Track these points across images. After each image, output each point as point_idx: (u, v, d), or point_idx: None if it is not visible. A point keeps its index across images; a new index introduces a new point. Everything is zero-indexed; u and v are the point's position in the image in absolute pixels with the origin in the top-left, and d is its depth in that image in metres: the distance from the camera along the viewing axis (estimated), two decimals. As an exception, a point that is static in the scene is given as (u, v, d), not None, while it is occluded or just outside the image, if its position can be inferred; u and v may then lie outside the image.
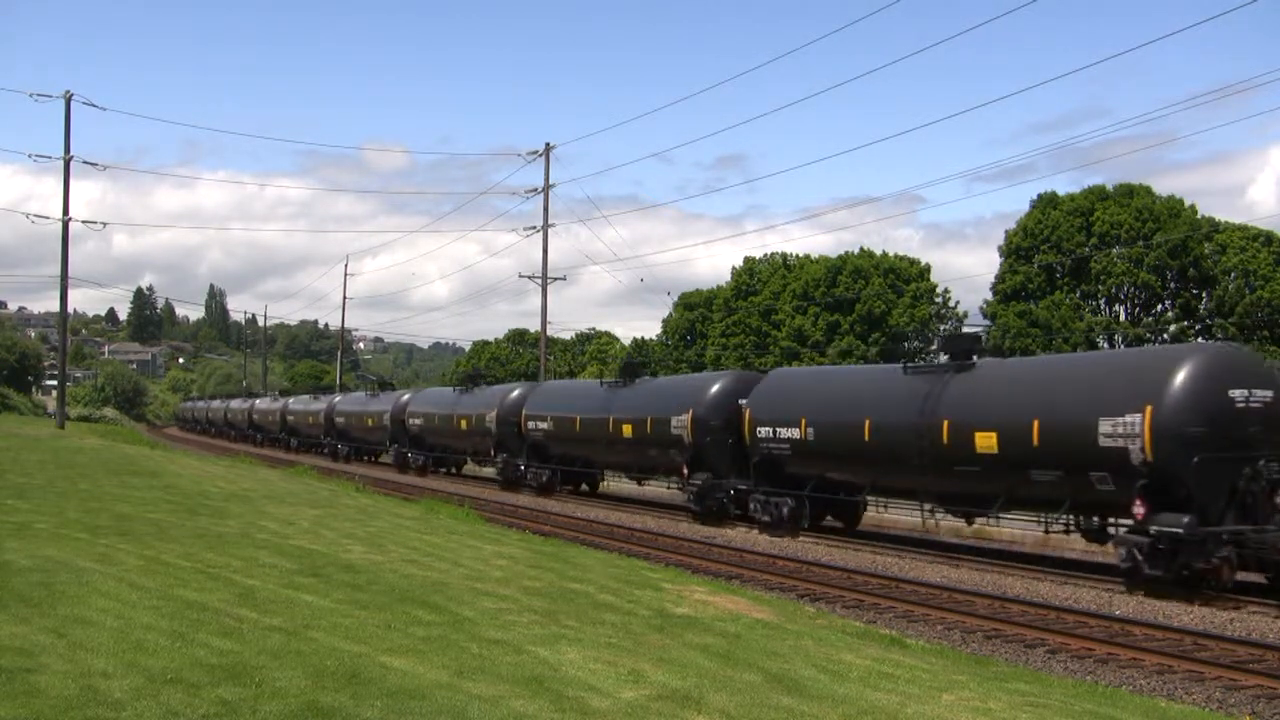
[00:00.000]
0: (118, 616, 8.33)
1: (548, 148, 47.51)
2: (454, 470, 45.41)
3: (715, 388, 26.38)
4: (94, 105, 62.37)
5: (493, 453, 37.72)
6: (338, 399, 58.88)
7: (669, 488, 32.35)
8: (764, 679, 8.07)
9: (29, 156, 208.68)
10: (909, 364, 21.66)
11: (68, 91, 43.75)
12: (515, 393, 37.25)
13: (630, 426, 28.78)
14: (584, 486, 35.61)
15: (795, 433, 22.64)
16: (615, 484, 36.18)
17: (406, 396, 48.74)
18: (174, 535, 13.06)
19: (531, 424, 34.50)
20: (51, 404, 74.02)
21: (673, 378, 38.18)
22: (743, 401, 24.83)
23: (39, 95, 43.91)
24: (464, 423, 39.69)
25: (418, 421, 44.22)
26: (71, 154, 44.25)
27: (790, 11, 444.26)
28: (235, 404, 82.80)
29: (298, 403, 65.07)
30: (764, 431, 23.47)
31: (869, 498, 22.95)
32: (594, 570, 13.64)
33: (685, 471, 26.45)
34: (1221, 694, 10.72)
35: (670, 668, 8.12)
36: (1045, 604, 15.12)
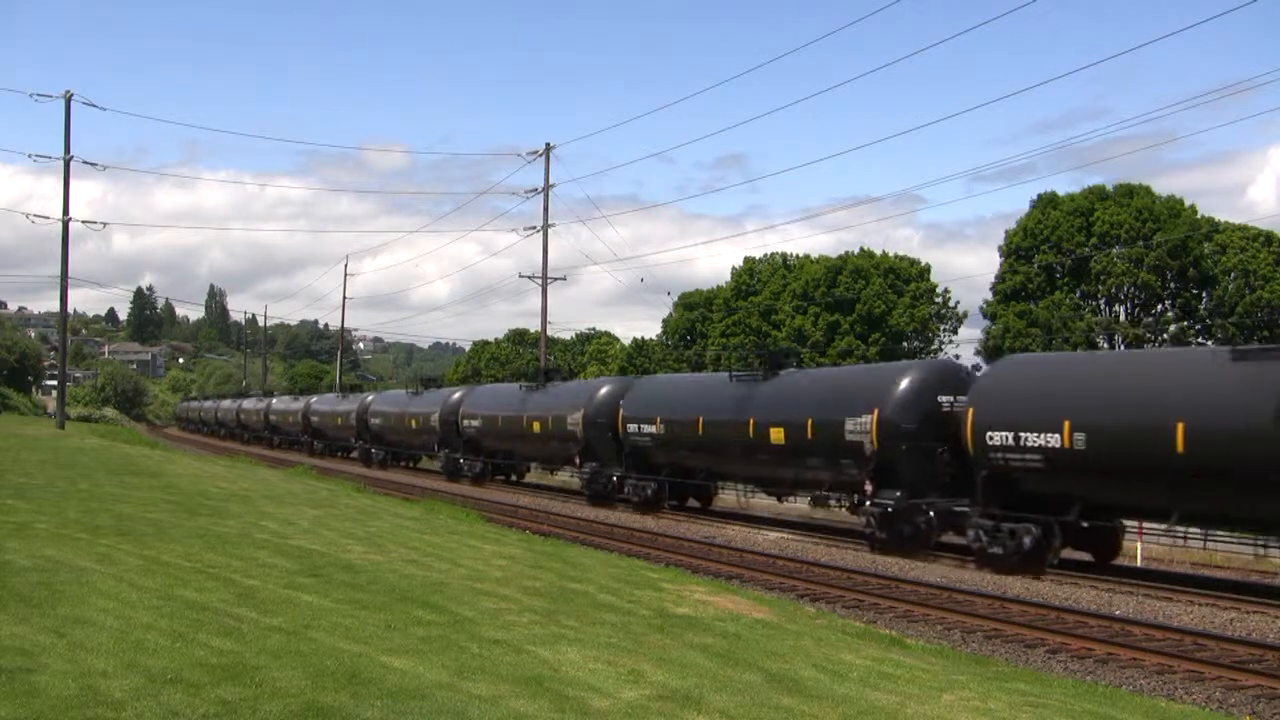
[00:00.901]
0: (118, 616, 8.33)
1: (548, 148, 47.53)
2: (514, 478, 41.18)
3: (603, 391, 30.71)
4: (94, 105, 62.50)
5: (578, 461, 32.39)
6: (314, 399, 62.96)
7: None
8: (764, 679, 8.07)
9: (29, 156, 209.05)
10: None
11: (68, 91, 43.79)
12: (605, 389, 32.03)
13: (539, 424, 33.34)
14: (690, 500, 30.02)
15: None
16: (758, 500, 29.15)
17: (458, 395, 43.31)
18: (174, 535, 13.06)
19: (633, 427, 29.01)
20: (51, 404, 74.03)
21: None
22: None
23: (39, 95, 43.95)
24: (537, 425, 34.56)
25: (650, 429, 30.12)
26: (71, 154, 44.26)
27: (790, 11, 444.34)
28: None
29: (280, 402, 69.05)
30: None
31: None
32: (594, 570, 13.64)
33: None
34: (1221, 694, 10.72)
35: (670, 668, 8.12)
36: (1045, 604, 15.12)
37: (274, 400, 71.94)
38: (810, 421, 22.33)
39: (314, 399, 63.46)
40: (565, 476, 38.68)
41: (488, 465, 39.30)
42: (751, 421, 23.91)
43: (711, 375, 31.69)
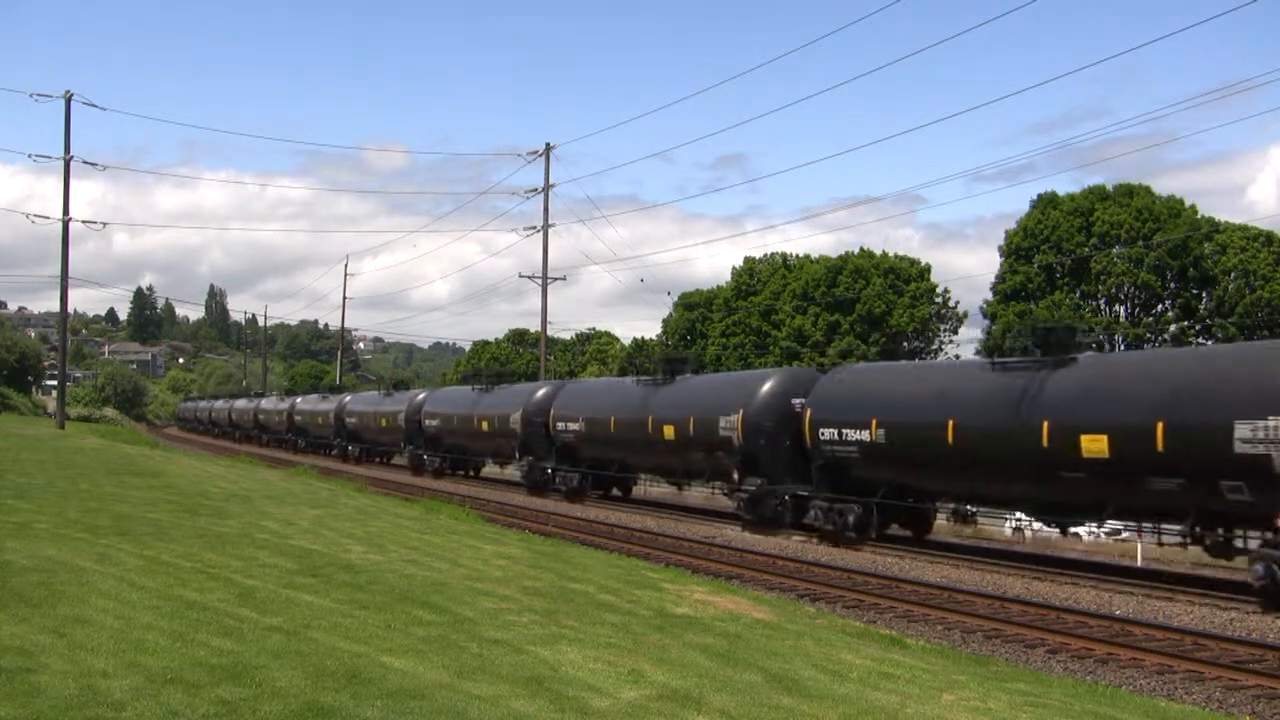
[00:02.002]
0: (118, 616, 8.33)
1: (548, 148, 47.54)
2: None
3: (539, 393, 34.20)
4: (94, 105, 62.52)
5: (518, 455, 34.87)
6: (298, 399, 65.60)
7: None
8: (764, 679, 8.07)
9: (29, 156, 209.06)
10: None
11: (68, 91, 43.78)
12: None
13: (487, 423, 36.31)
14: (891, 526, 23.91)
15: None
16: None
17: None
18: (174, 535, 13.06)
19: (561, 425, 32.03)
20: (51, 404, 73.99)
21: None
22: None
23: (39, 95, 43.91)
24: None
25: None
26: (71, 154, 44.25)
27: (790, 11, 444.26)
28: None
29: (267, 403, 72.35)
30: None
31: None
32: (594, 570, 13.64)
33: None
34: (1221, 694, 10.72)
35: (670, 668, 8.11)
36: (1045, 604, 15.13)
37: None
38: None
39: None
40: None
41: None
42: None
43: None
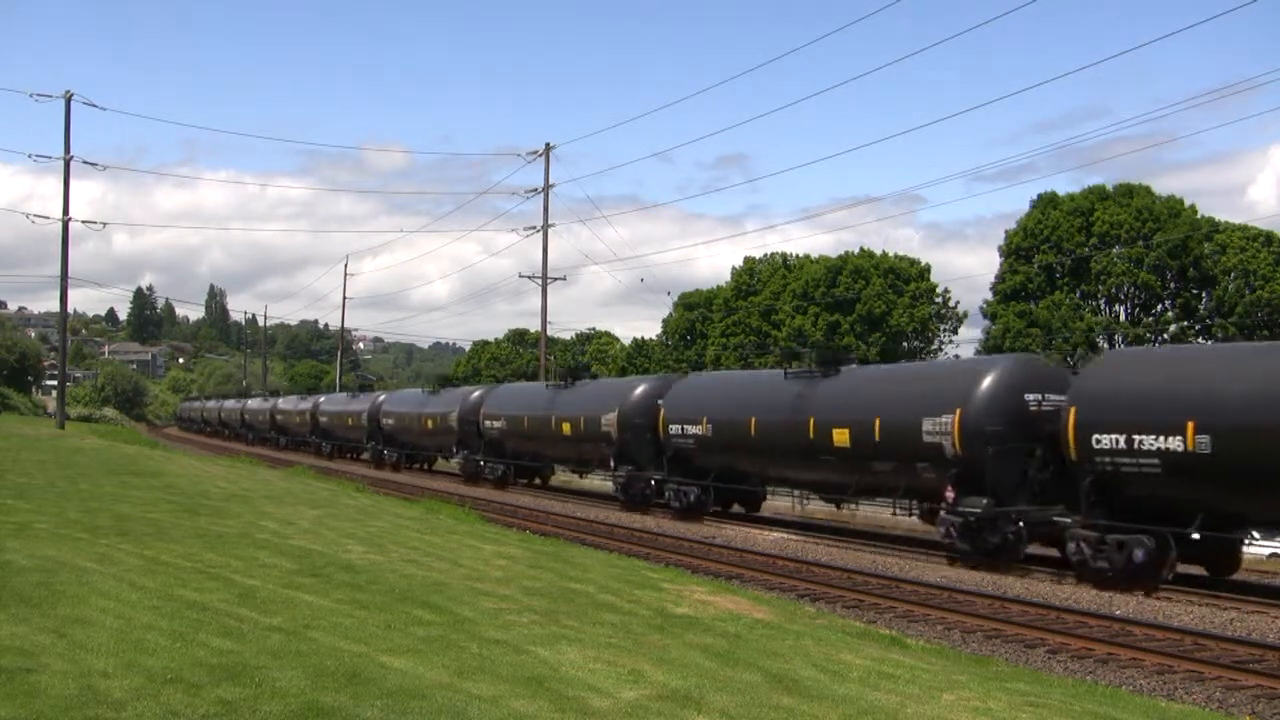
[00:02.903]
0: (118, 616, 8.33)
1: (548, 148, 47.56)
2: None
3: (639, 390, 31.80)
4: (94, 105, 62.34)
5: (612, 464, 30.69)
6: (323, 399, 63.25)
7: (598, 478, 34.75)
8: (764, 679, 8.07)
9: (29, 156, 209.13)
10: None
11: (68, 91, 43.82)
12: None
13: (570, 425, 34.43)
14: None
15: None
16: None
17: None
18: (174, 535, 13.06)
19: (675, 428, 27.88)
20: (51, 404, 73.99)
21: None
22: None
23: (39, 95, 44.00)
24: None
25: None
26: (71, 154, 44.29)
27: (790, 11, 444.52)
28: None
29: (286, 402, 70.93)
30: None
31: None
32: (594, 570, 13.64)
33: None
34: (1221, 694, 10.72)
35: (670, 668, 8.11)
36: (1045, 604, 15.13)
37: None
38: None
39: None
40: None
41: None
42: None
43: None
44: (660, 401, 28.76)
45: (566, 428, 32.76)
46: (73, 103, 43.76)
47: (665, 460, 28.20)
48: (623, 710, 6.84)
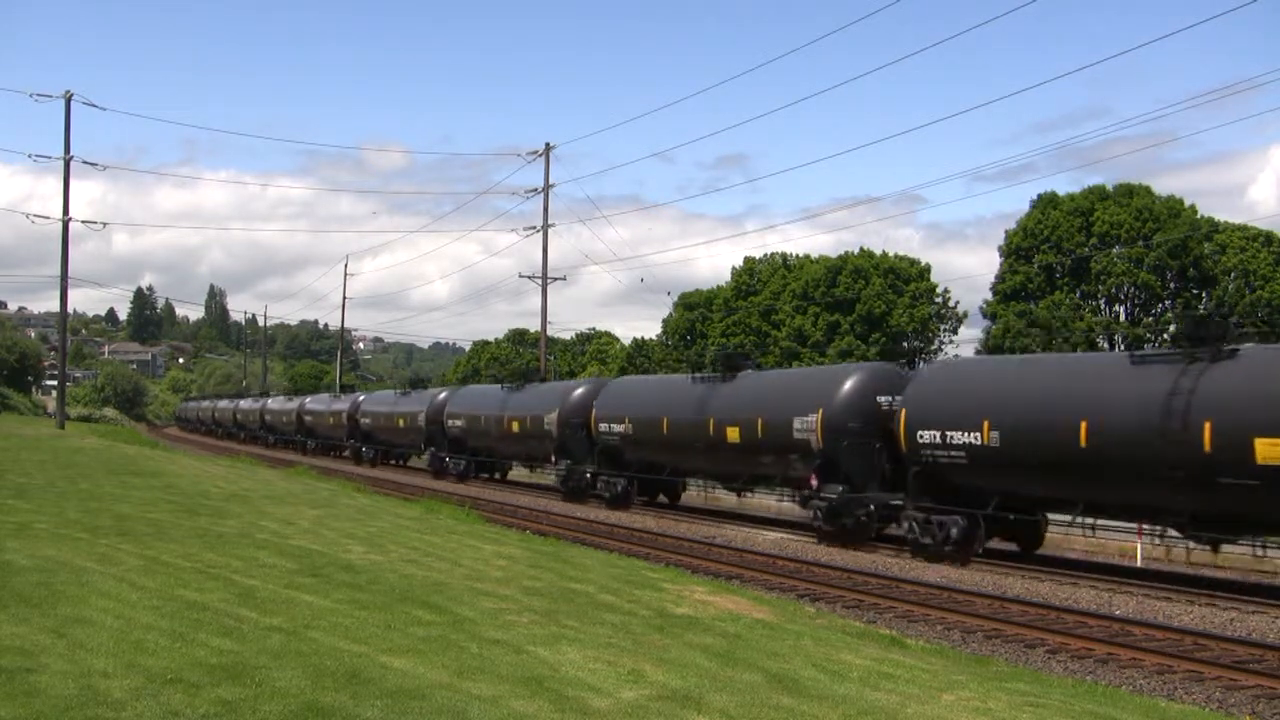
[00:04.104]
0: (118, 616, 8.33)
1: (548, 148, 47.53)
2: (497, 476, 41.09)
3: (577, 392, 33.67)
4: (94, 105, 62.43)
5: (554, 458, 32.95)
6: (308, 399, 65.55)
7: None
8: (764, 679, 8.06)
9: (29, 156, 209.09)
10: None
11: (68, 91, 43.80)
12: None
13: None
14: None
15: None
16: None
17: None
18: (174, 535, 13.06)
19: (604, 426, 30.50)
20: (51, 404, 74.00)
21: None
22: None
23: (39, 95, 43.96)
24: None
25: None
26: (71, 154, 44.26)
27: (791, 11, 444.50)
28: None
29: (275, 402, 73.21)
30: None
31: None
32: (594, 570, 13.64)
33: (553, 459, 33.76)
34: (1221, 694, 10.72)
35: (670, 668, 8.11)
36: (1045, 604, 15.13)
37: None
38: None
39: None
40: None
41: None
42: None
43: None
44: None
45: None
46: (73, 103, 43.76)
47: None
48: (623, 710, 6.84)
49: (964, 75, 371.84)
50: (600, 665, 7.98)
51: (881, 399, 21.99)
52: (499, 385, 40.06)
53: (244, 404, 79.53)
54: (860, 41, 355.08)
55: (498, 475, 41.79)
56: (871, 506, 21.57)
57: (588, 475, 31.10)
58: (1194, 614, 14.83)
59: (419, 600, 10.01)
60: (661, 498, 31.31)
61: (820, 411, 22.30)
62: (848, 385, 22.50)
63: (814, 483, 22.36)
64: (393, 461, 50.52)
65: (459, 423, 40.39)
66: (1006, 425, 18.32)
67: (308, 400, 64.64)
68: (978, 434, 18.73)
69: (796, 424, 22.81)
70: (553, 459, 33.41)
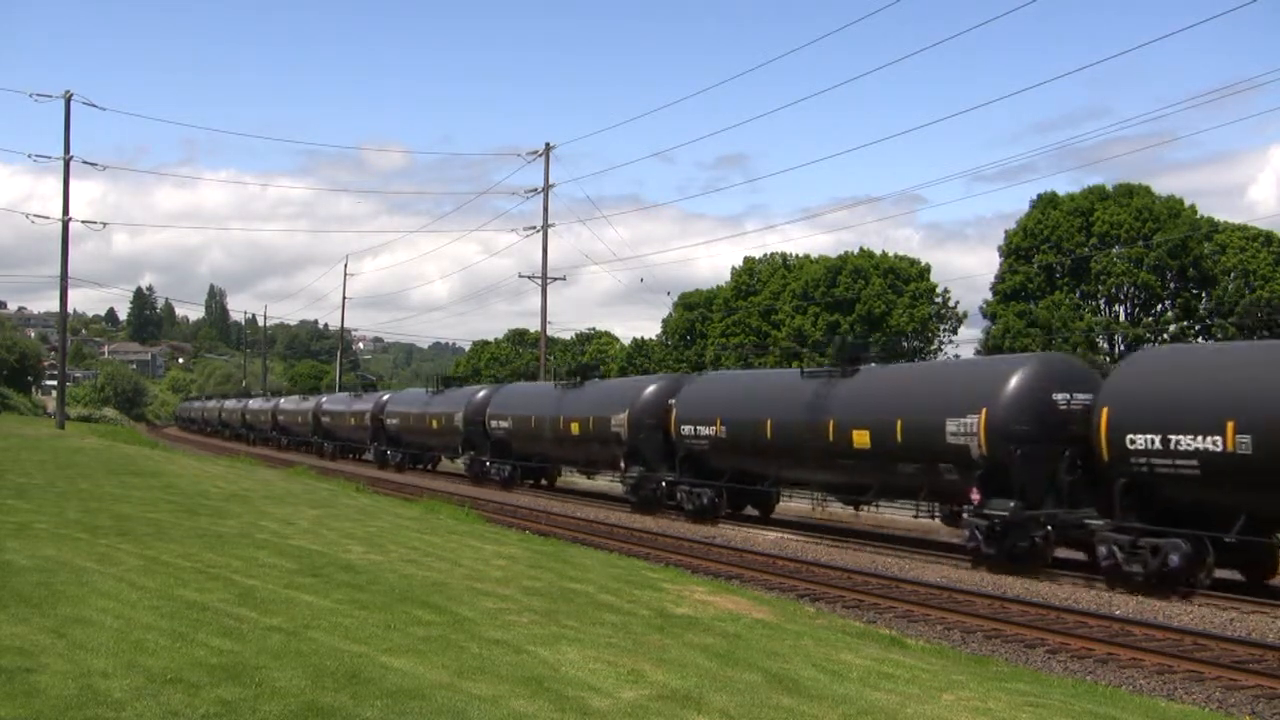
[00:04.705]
0: (118, 616, 8.33)
1: (548, 148, 47.55)
2: (544, 483, 37.56)
3: (650, 390, 31.03)
4: (94, 105, 62.39)
5: (623, 465, 29.74)
6: (325, 399, 63.15)
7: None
8: (764, 679, 8.06)
9: (29, 156, 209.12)
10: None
11: (68, 91, 43.80)
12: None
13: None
14: None
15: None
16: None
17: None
18: (174, 535, 13.06)
19: (688, 429, 27.00)
20: (51, 404, 73.97)
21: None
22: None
23: (39, 95, 43.96)
24: (575, 426, 31.86)
25: (503, 425, 36.53)
26: (71, 154, 44.27)
27: (790, 11, 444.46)
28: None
29: (288, 402, 71.47)
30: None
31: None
32: (594, 570, 13.64)
33: (622, 465, 31.66)
34: (1221, 694, 10.71)
35: (670, 668, 8.11)
36: (1045, 604, 15.12)
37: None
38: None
39: (324, 399, 62.15)
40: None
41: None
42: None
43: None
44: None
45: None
46: (73, 103, 43.76)
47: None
48: (622, 710, 6.84)
49: (964, 75, 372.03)
50: (600, 665, 7.98)
51: (1059, 396, 18.58)
52: (551, 383, 36.91)
53: (254, 404, 75.66)
54: (860, 41, 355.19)
55: (544, 482, 38.10)
56: (1050, 527, 18.20)
57: (664, 484, 27.91)
58: (1194, 614, 14.83)
59: (419, 600, 10.00)
60: (749, 509, 27.65)
61: (984, 412, 18.77)
62: (1016, 380, 18.86)
63: (976, 497, 18.96)
64: (422, 466, 46.78)
65: (504, 424, 36.52)
66: (1260, 426, 14.91)
67: (325, 400, 60.94)
68: (1219, 437, 15.32)
69: (950, 426, 19.29)
70: (621, 465, 29.97)
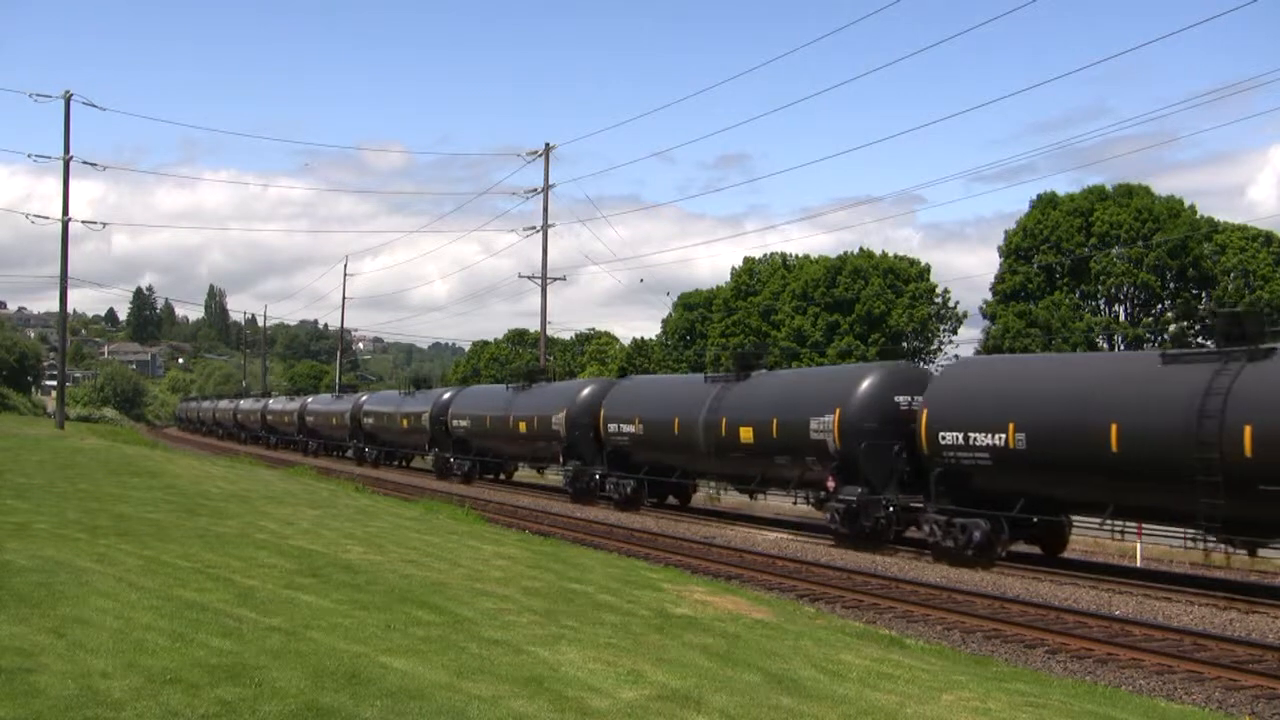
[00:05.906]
0: (117, 616, 8.33)
1: (548, 148, 47.52)
2: (502, 477, 40.60)
3: (585, 392, 32.66)
4: (94, 105, 62.21)
5: (561, 459, 32.72)
6: (310, 399, 65.18)
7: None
8: (764, 679, 8.07)
9: (29, 156, 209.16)
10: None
11: (68, 91, 43.77)
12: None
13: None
14: None
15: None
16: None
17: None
18: (173, 535, 13.06)
19: (613, 426, 30.13)
20: (51, 404, 73.99)
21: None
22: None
23: (39, 95, 43.90)
24: (523, 425, 34.77)
25: (463, 424, 40.13)
26: (71, 154, 44.23)
27: (790, 11, 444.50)
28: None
29: (276, 403, 73.40)
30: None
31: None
32: (593, 570, 13.64)
33: (561, 460, 32.79)
34: (1221, 694, 10.72)
35: (670, 668, 8.11)
36: (1045, 604, 15.13)
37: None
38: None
39: (309, 399, 65.36)
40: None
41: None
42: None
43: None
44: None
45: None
46: (72, 103, 43.72)
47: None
48: (622, 710, 6.84)
49: (964, 75, 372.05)
50: (600, 665, 7.98)
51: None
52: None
53: (245, 404, 78.70)
54: (860, 41, 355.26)
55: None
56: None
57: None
58: (1194, 614, 14.83)
59: (419, 600, 10.00)
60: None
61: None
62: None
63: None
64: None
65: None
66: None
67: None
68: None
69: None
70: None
